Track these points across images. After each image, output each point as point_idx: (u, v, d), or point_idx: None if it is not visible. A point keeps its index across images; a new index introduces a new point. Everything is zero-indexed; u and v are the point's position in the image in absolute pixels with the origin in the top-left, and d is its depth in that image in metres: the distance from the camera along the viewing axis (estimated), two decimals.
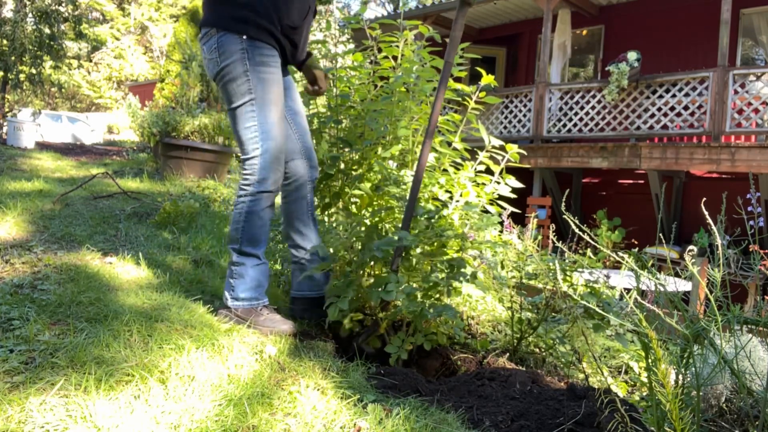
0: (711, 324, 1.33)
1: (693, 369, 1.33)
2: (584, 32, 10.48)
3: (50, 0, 10.00)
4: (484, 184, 2.59)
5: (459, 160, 2.65)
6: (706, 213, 1.57)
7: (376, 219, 2.50)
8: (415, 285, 2.26)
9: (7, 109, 10.54)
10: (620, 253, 1.78)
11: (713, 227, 1.50)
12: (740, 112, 7.18)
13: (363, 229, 2.41)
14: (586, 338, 2.40)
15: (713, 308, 1.35)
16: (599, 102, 8.27)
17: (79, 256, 2.63)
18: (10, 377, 1.41)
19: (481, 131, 2.53)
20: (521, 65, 11.30)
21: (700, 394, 1.32)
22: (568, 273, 2.47)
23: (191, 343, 1.73)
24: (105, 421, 1.29)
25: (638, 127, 7.89)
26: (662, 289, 1.62)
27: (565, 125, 8.60)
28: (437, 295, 2.29)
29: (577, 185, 9.77)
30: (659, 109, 7.71)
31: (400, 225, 2.24)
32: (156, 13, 28.12)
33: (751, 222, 2.05)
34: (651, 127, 7.77)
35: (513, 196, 2.58)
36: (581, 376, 2.52)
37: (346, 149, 2.78)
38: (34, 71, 10.07)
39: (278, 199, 2.31)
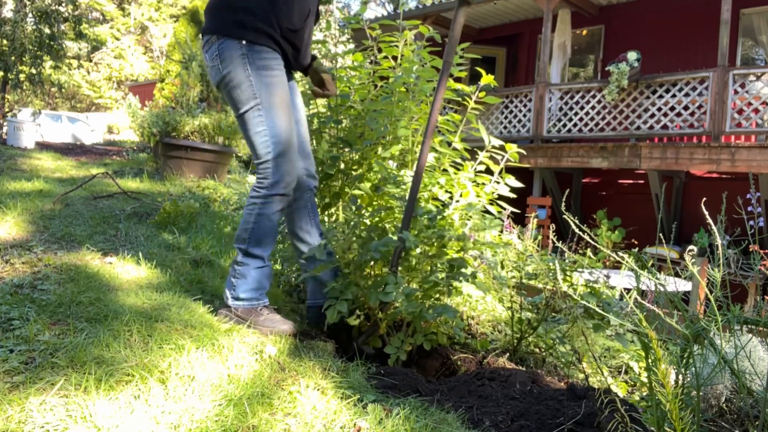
0: (711, 324, 1.33)
1: (693, 369, 1.33)
2: (584, 32, 10.48)
3: (50, 0, 10.00)
4: (483, 184, 2.59)
5: (459, 160, 2.65)
6: (706, 213, 1.57)
7: (376, 219, 2.50)
8: (414, 285, 2.25)
9: (7, 109, 10.55)
10: (620, 253, 1.78)
11: (713, 227, 1.50)
12: (740, 112, 7.18)
13: (363, 228, 2.41)
14: (586, 338, 2.40)
15: (713, 308, 1.35)
16: (599, 102, 8.27)
17: (79, 256, 2.63)
18: (10, 377, 1.41)
19: (481, 131, 2.53)
20: (521, 65, 11.30)
21: (700, 394, 1.32)
22: (568, 273, 2.47)
23: (191, 343, 1.73)
24: (105, 421, 1.29)
25: (638, 127, 7.89)
26: (662, 289, 1.62)
27: (565, 125, 8.60)
28: (437, 296, 2.29)
29: (577, 185, 9.77)
30: (659, 109, 7.71)
31: (399, 225, 2.24)
32: (156, 13, 28.12)
33: (751, 222, 2.05)
34: (651, 127, 7.77)
35: (513, 196, 2.58)
36: (581, 376, 2.52)
37: (346, 149, 2.78)
38: (34, 71, 10.07)
39: None
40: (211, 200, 4.93)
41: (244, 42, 2.04)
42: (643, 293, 2.22)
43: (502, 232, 3.82)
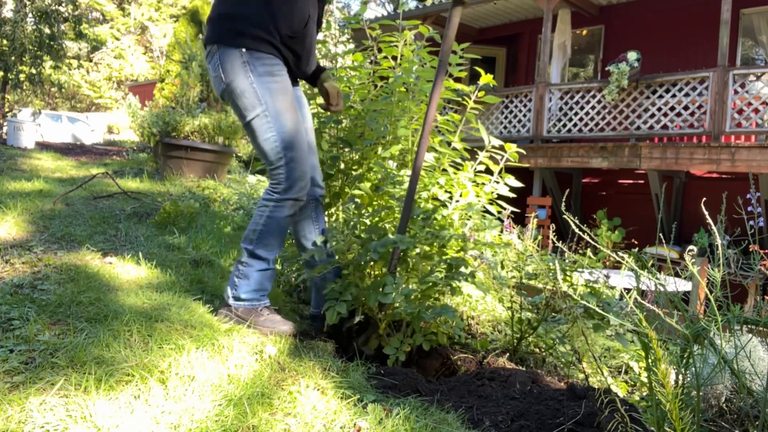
0: (711, 324, 1.33)
1: (693, 369, 1.33)
2: (584, 32, 10.48)
3: (50, 0, 9.99)
4: (483, 184, 2.59)
5: (459, 160, 2.65)
6: (706, 213, 1.57)
7: (376, 219, 2.50)
8: (413, 286, 2.25)
9: (7, 109, 10.54)
10: (620, 253, 1.78)
11: (713, 227, 1.50)
12: (740, 112, 7.18)
13: (362, 229, 2.41)
14: (586, 338, 2.40)
15: (713, 308, 1.35)
16: (599, 102, 8.27)
17: (79, 256, 2.63)
18: (10, 377, 1.41)
19: (481, 131, 2.53)
20: (521, 65, 11.30)
21: (700, 394, 1.32)
22: (568, 273, 2.47)
23: (191, 343, 1.73)
24: (105, 421, 1.29)
25: (638, 127, 7.89)
26: (662, 289, 1.62)
27: (565, 125, 8.60)
28: (436, 296, 2.29)
29: (577, 185, 9.77)
30: (659, 109, 7.71)
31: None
32: (156, 13, 28.12)
33: (751, 222, 2.05)
34: (651, 127, 7.77)
35: (513, 195, 2.58)
36: (581, 376, 2.52)
37: (346, 149, 2.78)
38: (34, 71, 10.07)
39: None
40: (211, 200, 4.93)
41: (244, 50, 2.03)
42: (643, 293, 2.22)
43: (502, 232, 3.82)
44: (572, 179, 9.66)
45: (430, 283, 2.17)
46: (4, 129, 9.78)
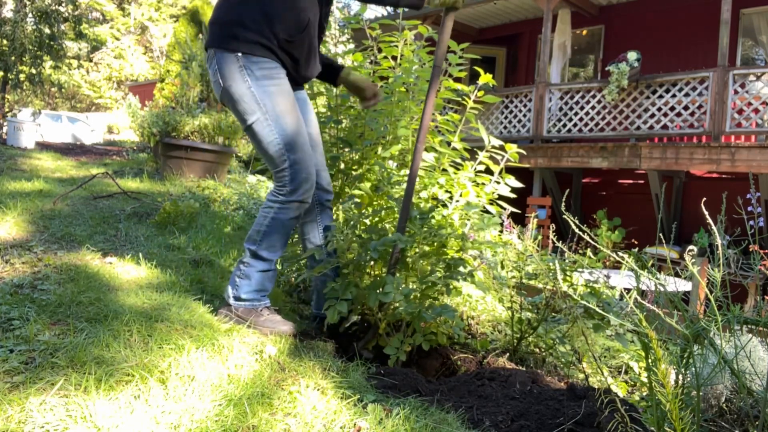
0: (711, 324, 1.33)
1: (693, 369, 1.33)
2: (584, 32, 10.49)
3: (50, 0, 9.99)
4: (483, 184, 2.59)
5: (459, 160, 2.65)
6: (706, 213, 1.57)
7: (376, 219, 2.50)
8: (413, 286, 2.25)
9: (7, 109, 10.54)
10: (620, 253, 1.78)
11: (713, 227, 1.50)
12: (740, 112, 7.18)
13: (362, 229, 2.41)
14: (586, 338, 2.40)
15: (713, 308, 1.35)
16: (599, 102, 8.27)
17: (79, 256, 2.63)
18: (10, 377, 1.41)
19: (481, 131, 2.53)
20: (521, 65, 11.30)
21: (700, 394, 1.32)
22: (568, 273, 2.47)
23: (191, 343, 1.73)
24: (105, 421, 1.29)
25: (638, 127, 7.89)
26: (662, 289, 1.62)
27: (565, 125, 8.60)
28: (435, 296, 2.29)
29: (577, 185, 9.77)
30: (659, 109, 7.71)
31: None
32: (156, 13, 28.13)
33: (751, 222, 2.05)
34: (651, 127, 7.77)
35: (513, 196, 2.58)
36: (581, 376, 2.52)
37: (346, 149, 2.78)
38: (34, 71, 10.06)
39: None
40: (211, 200, 4.93)
41: (240, 54, 2.02)
42: (643, 293, 2.22)
43: (502, 232, 3.82)
44: (572, 179, 9.66)
45: (430, 283, 2.17)
46: (4, 129, 9.78)
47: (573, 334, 2.45)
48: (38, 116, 10.78)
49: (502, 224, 3.79)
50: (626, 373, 2.74)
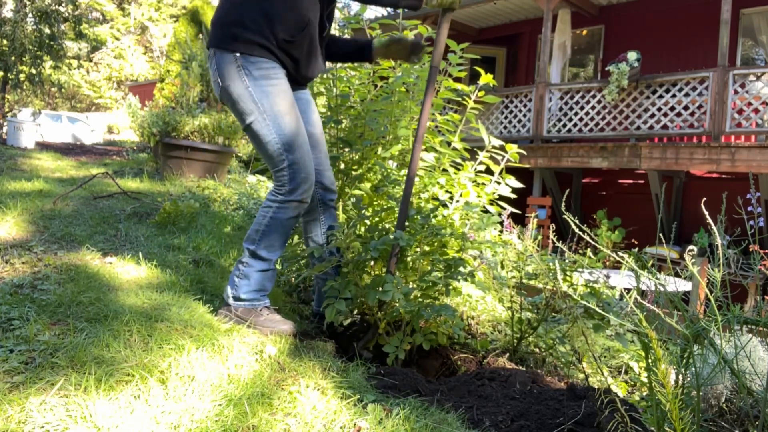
0: (711, 324, 1.33)
1: (693, 369, 1.33)
2: (584, 32, 10.49)
3: (50, 0, 9.99)
4: (484, 184, 2.59)
5: (459, 160, 2.65)
6: (706, 213, 1.57)
7: (376, 219, 2.50)
8: (413, 285, 2.25)
9: (7, 109, 10.54)
10: (620, 253, 1.78)
11: (713, 227, 1.50)
12: (740, 112, 7.18)
13: (362, 228, 2.41)
14: (586, 338, 2.40)
15: (713, 308, 1.35)
16: (599, 102, 8.27)
17: (79, 256, 2.63)
18: (10, 377, 1.41)
19: (481, 131, 2.53)
20: (521, 65, 11.30)
21: (700, 394, 1.32)
22: (568, 273, 2.47)
23: (191, 343, 1.73)
24: (105, 421, 1.29)
25: (638, 127, 7.89)
26: (662, 289, 1.62)
27: (565, 125, 8.60)
28: (435, 295, 2.29)
29: (577, 185, 9.77)
30: (659, 109, 7.71)
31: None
32: (156, 13, 28.13)
33: (751, 222, 2.05)
34: (651, 127, 7.77)
35: (513, 196, 2.58)
36: (581, 376, 2.52)
37: (346, 149, 2.78)
38: (34, 71, 10.06)
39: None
40: (211, 200, 4.93)
41: (238, 54, 2.03)
42: (643, 293, 2.22)
43: (502, 232, 3.82)
44: (572, 179, 9.66)
45: (430, 283, 2.17)
46: (4, 129, 9.78)
47: (573, 334, 2.45)
48: (38, 116, 10.78)
49: (502, 224, 3.79)
50: (626, 373, 2.74)
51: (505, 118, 9.38)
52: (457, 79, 2.83)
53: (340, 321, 2.21)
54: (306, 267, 2.66)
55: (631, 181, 9.64)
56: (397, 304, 2.07)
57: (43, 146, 9.93)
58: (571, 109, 8.60)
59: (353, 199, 2.58)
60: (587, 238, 1.82)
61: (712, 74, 7.21)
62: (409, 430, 1.50)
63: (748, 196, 2.10)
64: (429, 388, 1.90)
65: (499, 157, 2.61)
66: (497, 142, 2.54)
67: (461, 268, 2.15)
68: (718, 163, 7.13)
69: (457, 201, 2.49)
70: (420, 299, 2.23)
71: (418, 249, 2.28)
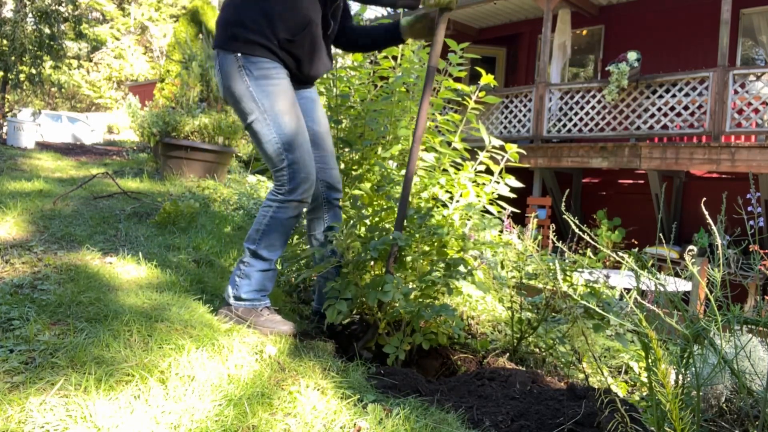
0: (711, 324, 1.33)
1: (693, 369, 1.33)
2: (584, 32, 10.49)
3: (50, 0, 9.99)
4: (484, 184, 2.59)
5: (459, 160, 2.65)
6: (706, 213, 1.57)
7: (376, 219, 2.50)
8: (412, 285, 2.25)
9: (7, 109, 10.54)
10: (620, 253, 1.78)
11: (713, 227, 1.50)
12: (740, 112, 7.18)
13: (362, 229, 2.41)
14: (586, 338, 2.40)
15: (713, 308, 1.35)
16: (599, 102, 8.27)
17: (79, 256, 2.63)
18: (10, 377, 1.41)
19: (481, 131, 2.53)
20: (521, 65, 11.30)
21: (700, 394, 1.32)
22: (568, 273, 2.47)
23: (191, 343, 1.73)
24: (105, 421, 1.29)
25: (638, 127, 7.89)
26: (662, 289, 1.62)
27: (565, 125, 8.60)
28: (435, 295, 2.29)
29: (577, 185, 9.77)
30: (659, 109, 7.71)
31: None
32: (156, 13, 28.14)
33: (751, 222, 2.05)
34: (651, 127, 7.77)
35: (513, 196, 2.58)
36: (581, 376, 2.52)
37: (346, 149, 2.78)
38: (34, 71, 10.06)
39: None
40: (211, 200, 4.93)
41: (239, 54, 2.05)
42: (643, 293, 2.22)
43: (502, 232, 3.82)
44: (572, 179, 9.66)
45: (430, 282, 2.17)
46: (4, 129, 9.78)
47: (573, 334, 2.45)
48: (38, 116, 10.77)
49: (502, 222, 3.79)
50: (626, 373, 2.74)
51: (505, 118, 9.38)
52: (458, 79, 2.83)
53: (340, 321, 2.21)
54: (306, 267, 2.66)
55: (631, 181, 9.64)
56: (397, 304, 2.07)
57: (43, 146, 9.93)
58: (571, 109, 8.60)
59: (352, 200, 2.58)
60: (587, 238, 1.82)
61: (712, 74, 7.21)
62: (409, 430, 1.50)
63: (748, 196, 2.10)
64: (429, 388, 1.90)
65: (498, 157, 2.61)
66: (497, 142, 2.54)
67: (461, 268, 2.15)
68: (718, 163, 7.13)
69: (457, 201, 2.49)
70: (420, 299, 2.23)
71: (417, 249, 2.28)
